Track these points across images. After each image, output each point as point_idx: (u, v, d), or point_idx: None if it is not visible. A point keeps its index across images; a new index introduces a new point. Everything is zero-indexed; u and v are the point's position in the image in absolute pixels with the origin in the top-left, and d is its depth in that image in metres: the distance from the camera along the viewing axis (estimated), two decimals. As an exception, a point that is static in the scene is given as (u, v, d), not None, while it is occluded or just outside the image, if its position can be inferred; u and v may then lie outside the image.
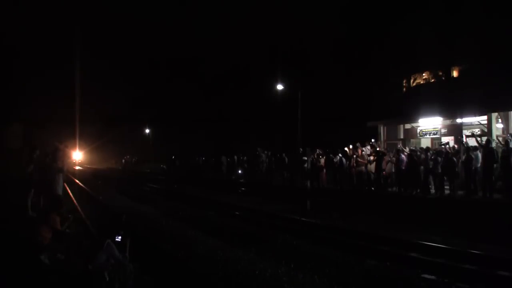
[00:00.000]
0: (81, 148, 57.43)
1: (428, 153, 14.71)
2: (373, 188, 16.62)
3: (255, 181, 23.31)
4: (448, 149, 14.39)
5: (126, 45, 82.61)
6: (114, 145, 59.52)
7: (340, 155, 18.44)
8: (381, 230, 10.58)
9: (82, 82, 43.13)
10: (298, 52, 36.21)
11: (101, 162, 63.04)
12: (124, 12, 79.16)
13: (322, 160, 19.31)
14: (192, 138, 46.76)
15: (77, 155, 59.10)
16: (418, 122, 20.16)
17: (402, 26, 23.68)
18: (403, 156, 15.37)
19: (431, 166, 14.33)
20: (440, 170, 13.96)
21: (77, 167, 47.66)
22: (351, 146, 18.17)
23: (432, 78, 22.92)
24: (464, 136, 16.78)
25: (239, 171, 26.48)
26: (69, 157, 12.21)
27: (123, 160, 57.64)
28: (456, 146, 15.34)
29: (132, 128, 55.84)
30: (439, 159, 14.00)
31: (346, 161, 17.88)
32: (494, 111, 16.82)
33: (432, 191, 14.51)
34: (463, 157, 13.67)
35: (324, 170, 19.31)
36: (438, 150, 14.73)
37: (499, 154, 12.69)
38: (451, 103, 18.61)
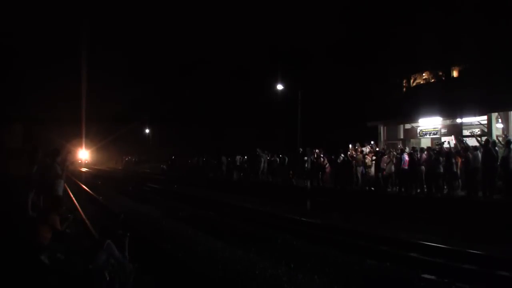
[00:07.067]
0: (87, 147, 57.58)
1: (430, 153, 14.67)
2: (373, 188, 16.62)
3: (255, 181, 23.32)
4: (445, 149, 14.38)
5: (128, 45, 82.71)
6: (118, 144, 59.50)
7: (334, 156, 18.48)
8: (381, 230, 10.59)
9: (87, 81, 43.19)
10: (298, 52, 36.17)
11: (104, 162, 63.05)
12: (127, 12, 79.23)
13: (322, 160, 19.33)
14: (193, 138, 46.74)
15: (84, 154, 59.14)
16: (418, 122, 20.16)
17: (402, 26, 23.65)
18: (404, 155, 15.35)
19: (431, 165, 14.31)
20: (441, 170, 13.95)
21: (83, 169, 47.65)
22: (350, 146, 18.19)
23: (432, 78, 22.90)
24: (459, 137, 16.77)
25: (240, 174, 26.42)
26: (71, 162, 12.11)
27: (123, 161, 57.65)
28: (458, 145, 15.29)
29: (135, 127, 55.85)
30: (441, 159, 14.00)
31: (346, 161, 17.88)
32: (494, 111, 16.82)
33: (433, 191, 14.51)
34: (464, 157, 13.65)
35: (324, 170, 19.32)
36: (438, 150, 14.70)
37: (499, 154, 12.70)
38: (451, 103, 18.60)
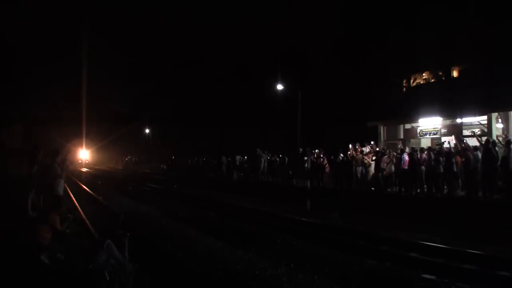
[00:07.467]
0: (87, 147, 57.52)
1: (430, 153, 14.66)
2: (373, 188, 16.61)
3: (255, 181, 23.33)
4: (445, 149, 14.37)
5: (128, 45, 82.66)
6: (118, 144, 59.44)
7: (333, 156, 18.48)
8: (381, 230, 10.59)
9: (87, 81, 43.07)
10: (299, 52, 36.19)
11: (104, 162, 63.04)
12: (127, 12, 79.13)
13: (322, 160, 19.32)
14: (193, 138, 46.73)
15: (84, 154, 59.05)
16: (418, 122, 20.14)
17: (402, 26, 23.68)
18: (404, 155, 15.33)
19: (431, 165, 14.30)
20: (441, 170, 13.94)
21: (83, 169, 47.62)
22: (350, 146, 18.19)
23: (432, 78, 22.90)
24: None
25: (240, 174, 26.41)
26: (71, 161, 12.09)
27: (124, 161, 57.61)
28: (458, 145, 15.30)
29: (135, 127, 55.82)
30: (441, 159, 13.99)
31: (346, 161, 17.87)
32: (494, 111, 16.81)
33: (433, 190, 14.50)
34: (464, 157, 13.64)
35: (324, 170, 19.31)
36: (438, 150, 14.70)
37: (499, 154, 12.69)
38: (451, 103, 18.59)
